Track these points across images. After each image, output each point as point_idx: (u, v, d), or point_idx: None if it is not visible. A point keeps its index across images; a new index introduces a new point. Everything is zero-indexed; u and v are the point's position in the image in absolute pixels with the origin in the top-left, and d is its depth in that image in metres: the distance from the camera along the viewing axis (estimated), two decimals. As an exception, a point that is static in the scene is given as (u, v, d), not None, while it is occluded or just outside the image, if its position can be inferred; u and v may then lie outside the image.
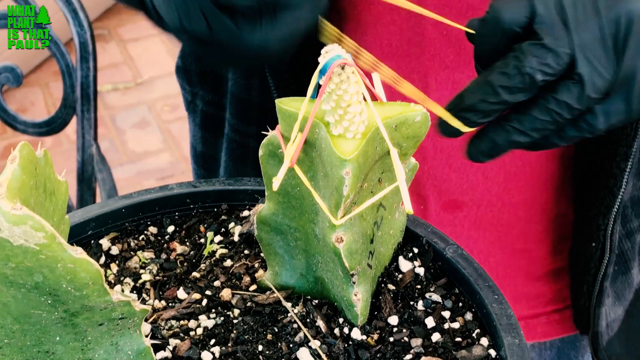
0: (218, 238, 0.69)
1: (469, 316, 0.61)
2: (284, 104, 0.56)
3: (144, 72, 3.00)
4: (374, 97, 0.57)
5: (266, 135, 0.58)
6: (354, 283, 0.58)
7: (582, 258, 0.87)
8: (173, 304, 0.63)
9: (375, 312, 0.61)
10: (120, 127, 2.79)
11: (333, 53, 0.52)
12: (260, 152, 0.59)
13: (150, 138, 2.75)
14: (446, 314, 0.61)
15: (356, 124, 0.54)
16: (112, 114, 2.82)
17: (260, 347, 0.58)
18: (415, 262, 0.64)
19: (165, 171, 2.64)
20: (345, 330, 0.60)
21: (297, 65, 0.77)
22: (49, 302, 0.48)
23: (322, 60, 0.53)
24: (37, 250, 0.44)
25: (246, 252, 0.67)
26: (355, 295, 0.58)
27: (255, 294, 0.63)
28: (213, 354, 0.59)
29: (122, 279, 0.65)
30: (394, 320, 0.60)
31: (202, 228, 0.70)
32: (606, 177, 0.79)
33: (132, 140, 2.75)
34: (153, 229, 0.69)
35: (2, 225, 0.43)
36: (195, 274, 0.66)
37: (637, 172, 0.81)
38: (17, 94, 2.69)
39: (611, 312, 0.89)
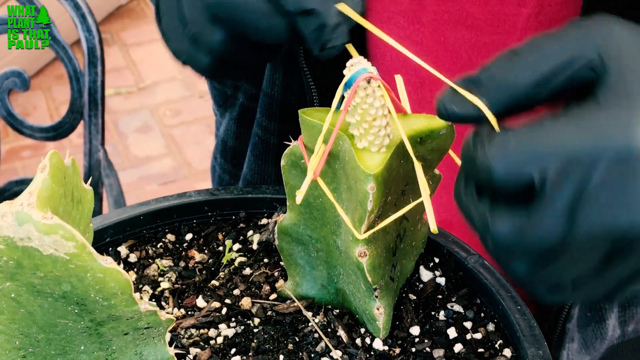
0: (237, 246, 0.68)
1: (491, 327, 0.60)
2: (308, 115, 0.55)
3: (147, 76, 3.00)
4: (399, 108, 0.56)
5: (286, 134, 0.58)
6: (376, 297, 0.58)
7: None
8: (192, 313, 0.63)
9: (397, 322, 0.61)
10: (122, 132, 2.78)
11: (359, 66, 0.52)
12: (282, 163, 0.58)
13: (153, 143, 2.75)
14: (468, 324, 0.60)
15: (381, 137, 0.53)
16: (115, 119, 2.81)
17: (281, 357, 0.58)
18: (436, 272, 0.64)
19: (167, 176, 2.63)
20: (367, 340, 0.59)
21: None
22: (76, 311, 0.47)
23: (347, 73, 0.52)
24: (67, 259, 0.43)
25: (265, 260, 0.67)
26: (378, 309, 0.58)
27: (276, 303, 0.63)
28: (234, 363, 0.58)
29: (140, 287, 0.65)
30: (415, 330, 0.60)
31: (220, 236, 0.69)
32: None
33: (135, 145, 2.74)
34: (171, 237, 0.69)
35: (32, 234, 0.42)
36: (214, 282, 0.65)
37: None
38: (20, 97, 2.69)
39: (575, 358, 0.84)
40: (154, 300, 0.64)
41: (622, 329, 0.83)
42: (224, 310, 0.63)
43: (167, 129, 2.80)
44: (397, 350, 0.59)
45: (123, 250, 0.67)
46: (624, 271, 0.46)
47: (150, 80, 2.98)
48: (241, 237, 0.69)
